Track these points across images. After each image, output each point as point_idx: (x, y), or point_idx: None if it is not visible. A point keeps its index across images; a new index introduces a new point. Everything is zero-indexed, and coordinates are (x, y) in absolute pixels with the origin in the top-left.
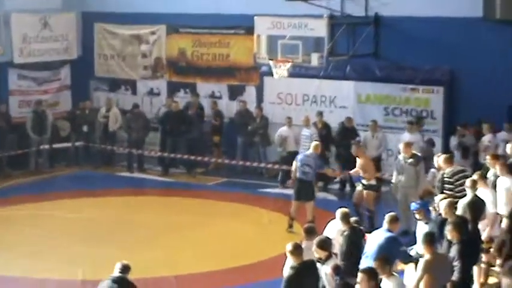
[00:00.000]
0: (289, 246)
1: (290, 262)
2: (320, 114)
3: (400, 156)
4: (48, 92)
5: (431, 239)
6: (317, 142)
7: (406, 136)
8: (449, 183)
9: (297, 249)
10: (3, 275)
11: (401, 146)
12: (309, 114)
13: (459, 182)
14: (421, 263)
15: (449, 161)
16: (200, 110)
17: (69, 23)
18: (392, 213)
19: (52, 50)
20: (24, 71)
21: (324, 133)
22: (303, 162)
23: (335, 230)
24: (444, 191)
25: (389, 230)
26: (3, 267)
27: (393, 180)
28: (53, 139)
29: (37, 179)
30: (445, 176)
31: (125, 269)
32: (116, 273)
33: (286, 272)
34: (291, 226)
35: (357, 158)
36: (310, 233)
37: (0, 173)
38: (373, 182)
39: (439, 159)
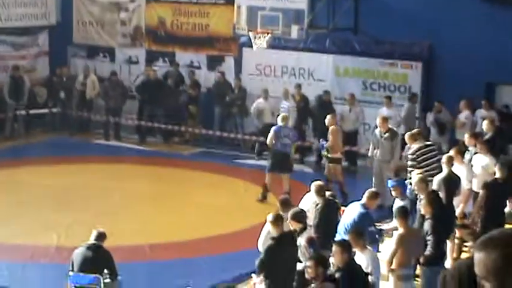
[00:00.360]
0: (270, 217)
1: (269, 232)
2: (298, 86)
3: (377, 131)
4: (25, 57)
5: (405, 214)
6: (285, 114)
7: (384, 111)
8: (412, 159)
9: (278, 220)
10: None
11: (378, 121)
12: (288, 87)
13: (422, 158)
14: (395, 237)
15: (415, 137)
16: (179, 79)
17: None
18: (372, 190)
19: (30, 15)
20: (2, 36)
21: (302, 105)
22: (283, 134)
23: (310, 202)
24: (408, 168)
25: (364, 206)
26: None
27: (369, 154)
28: (30, 105)
29: (13, 144)
30: (409, 152)
31: (100, 236)
32: (91, 240)
33: (265, 242)
34: (264, 198)
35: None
36: (286, 205)
37: None
38: (337, 155)
39: (405, 136)
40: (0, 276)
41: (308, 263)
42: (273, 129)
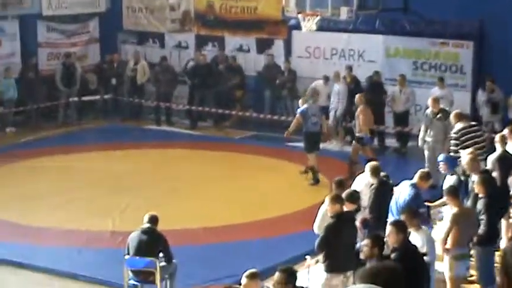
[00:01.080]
0: (329, 197)
1: (326, 213)
2: (349, 68)
3: (428, 111)
4: (76, 44)
5: (456, 192)
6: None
7: (436, 91)
8: (455, 138)
9: (337, 200)
10: (32, 225)
11: (429, 101)
12: (338, 69)
13: (464, 138)
14: (449, 215)
15: (459, 117)
16: (230, 63)
17: None
18: (424, 170)
19: (80, 2)
20: (53, 24)
21: (353, 87)
22: (311, 113)
23: (363, 183)
24: (451, 147)
25: (415, 186)
26: (33, 217)
27: (420, 135)
28: (82, 92)
29: (65, 130)
30: (453, 132)
31: (153, 219)
32: (145, 224)
33: (322, 223)
34: (317, 181)
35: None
36: (340, 185)
37: (29, 125)
38: (362, 134)
39: (451, 115)
40: (56, 260)
41: (363, 243)
42: (298, 111)
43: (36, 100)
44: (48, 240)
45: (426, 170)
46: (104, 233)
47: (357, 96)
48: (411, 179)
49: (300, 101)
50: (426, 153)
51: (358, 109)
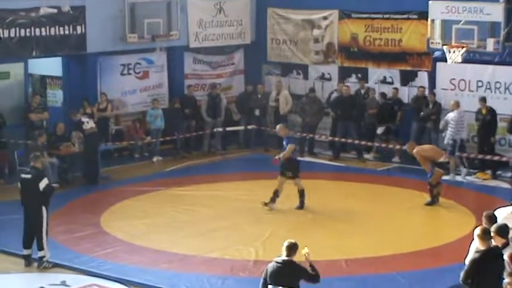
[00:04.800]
0: (477, 230)
1: (475, 246)
2: (483, 99)
3: None
4: (222, 75)
5: None
6: None
7: None
8: None
9: (485, 234)
10: (178, 253)
11: None
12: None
13: None
14: None
15: None
16: (369, 95)
17: (243, 8)
18: None
19: (226, 34)
20: (199, 55)
21: (488, 119)
22: None
23: (505, 215)
24: None
25: None
26: (175, 244)
27: None
28: (226, 122)
29: (210, 160)
30: None
31: (291, 248)
32: (283, 255)
33: (471, 255)
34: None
35: None
36: (490, 220)
37: (176, 154)
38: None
39: None
40: None
41: (506, 281)
42: None
43: (182, 131)
44: (192, 267)
45: None
46: (247, 261)
47: (408, 144)
48: None
49: None
50: None
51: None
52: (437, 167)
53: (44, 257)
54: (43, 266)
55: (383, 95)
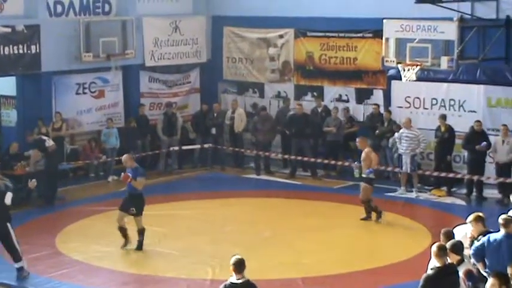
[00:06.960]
0: (434, 247)
1: (432, 263)
2: (443, 117)
3: None
4: (178, 94)
5: None
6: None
7: None
8: None
9: (441, 251)
10: (128, 272)
11: None
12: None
13: None
14: None
15: None
16: (325, 113)
17: (199, 27)
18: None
19: (182, 53)
20: (155, 74)
21: (447, 136)
22: None
23: (463, 234)
24: None
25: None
26: (131, 265)
27: None
28: (182, 141)
29: (166, 179)
30: None
31: (241, 265)
32: (234, 274)
33: (426, 272)
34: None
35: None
36: (448, 236)
37: None
38: (371, 175)
39: None
40: None
41: None
42: None
43: (138, 149)
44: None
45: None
46: (203, 281)
47: (358, 139)
48: None
49: None
50: None
51: (364, 152)
52: (365, 182)
53: (22, 267)
54: (23, 275)
55: (346, 112)
